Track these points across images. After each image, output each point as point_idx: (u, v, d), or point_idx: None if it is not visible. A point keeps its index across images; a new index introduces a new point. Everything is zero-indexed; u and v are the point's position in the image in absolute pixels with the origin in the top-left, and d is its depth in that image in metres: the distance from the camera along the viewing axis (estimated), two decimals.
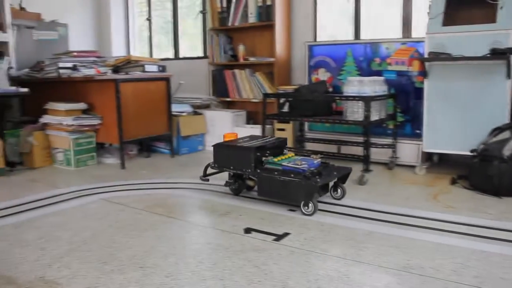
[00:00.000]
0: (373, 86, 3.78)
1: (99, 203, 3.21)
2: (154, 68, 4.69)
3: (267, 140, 3.38)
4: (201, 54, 6.20)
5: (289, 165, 3.00)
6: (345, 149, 4.32)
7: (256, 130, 4.77)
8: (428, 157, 4.14)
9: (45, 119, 4.47)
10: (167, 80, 4.79)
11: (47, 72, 4.64)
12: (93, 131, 4.44)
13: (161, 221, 2.81)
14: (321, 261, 2.19)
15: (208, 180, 3.39)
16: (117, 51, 6.88)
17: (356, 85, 3.76)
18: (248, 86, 5.19)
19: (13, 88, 4.23)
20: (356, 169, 3.92)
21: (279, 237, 2.50)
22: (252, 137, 3.50)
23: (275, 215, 2.89)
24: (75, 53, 4.62)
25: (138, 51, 7.08)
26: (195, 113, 5.14)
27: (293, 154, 3.35)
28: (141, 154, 4.93)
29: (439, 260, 2.17)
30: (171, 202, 3.21)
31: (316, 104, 4.04)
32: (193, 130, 5.02)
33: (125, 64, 4.64)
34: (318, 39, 5.01)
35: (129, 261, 2.22)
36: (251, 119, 5.27)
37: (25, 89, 4.24)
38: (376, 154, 4.17)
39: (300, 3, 5.02)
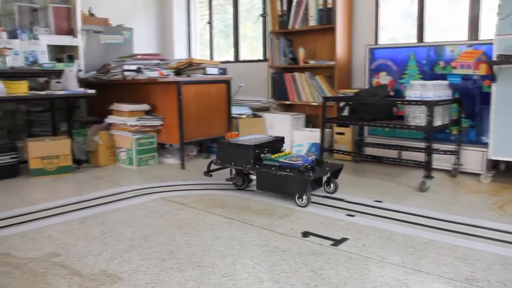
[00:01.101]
0: (437, 90, 3.66)
1: (159, 202, 3.30)
2: (215, 70, 4.76)
3: (266, 138, 3.64)
4: (261, 57, 6.23)
5: (285, 161, 3.27)
6: (406, 155, 4.21)
7: (315, 133, 4.74)
8: (494, 165, 3.96)
9: (110, 119, 4.64)
10: (227, 82, 4.85)
11: (112, 74, 4.83)
12: (155, 132, 4.56)
13: (220, 221, 2.85)
14: (380, 268, 2.14)
15: (211, 175, 3.73)
16: (179, 54, 7.04)
17: (419, 89, 3.66)
18: (307, 89, 5.17)
19: (82, 89, 4.42)
20: (417, 175, 3.83)
21: (336, 242, 2.47)
22: (254, 136, 3.77)
23: (332, 219, 2.86)
24: (139, 56, 4.76)
25: (199, 54, 7.21)
26: (254, 116, 5.17)
27: (290, 151, 3.64)
28: (201, 155, 5.02)
29: (507, 274, 2.07)
30: (230, 203, 3.24)
31: (377, 108, 3.97)
32: (252, 132, 5.04)
33: (187, 66, 4.74)
34: (379, 42, 4.91)
35: (187, 259, 2.27)
36: (310, 123, 5.24)
37: (92, 91, 4.42)
38: (439, 160, 4.04)
39: (362, 6, 4.94)
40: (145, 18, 6.85)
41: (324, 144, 4.23)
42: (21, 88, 4.07)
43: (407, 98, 3.73)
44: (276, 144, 3.61)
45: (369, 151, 4.50)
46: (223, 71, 4.87)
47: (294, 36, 5.46)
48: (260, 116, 5.17)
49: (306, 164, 3.18)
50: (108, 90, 4.91)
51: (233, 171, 3.66)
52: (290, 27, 5.26)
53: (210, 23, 6.94)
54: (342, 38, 4.88)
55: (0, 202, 3.38)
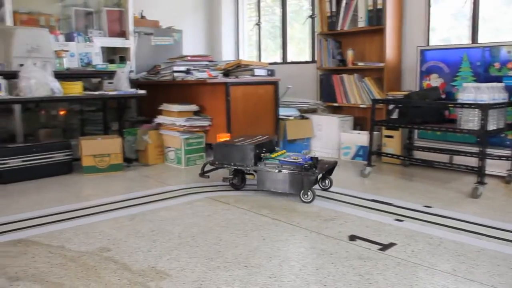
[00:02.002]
0: (492, 93, 3.53)
1: (206, 202, 3.34)
2: (263, 72, 4.78)
3: (261, 139, 3.69)
4: (308, 58, 6.21)
5: (286, 159, 3.41)
6: (458, 160, 4.09)
7: (363, 136, 4.68)
8: None
9: (159, 119, 4.73)
10: (275, 84, 4.86)
11: (162, 75, 4.93)
12: (203, 132, 4.62)
13: (266, 222, 2.85)
14: (429, 275, 2.09)
15: (208, 177, 3.77)
16: (227, 55, 7.11)
17: (473, 92, 3.55)
18: (356, 91, 5.11)
19: (133, 90, 4.53)
20: (469, 181, 3.71)
21: (384, 247, 2.43)
22: (246, 137, 3.83)
23: (380, 223, 2.81)
24: (188, 57, 4.84)
25: (247, 55, 7.26)
26: (302, 117, 5.15)
27: (284, 151, 3.72)
28: None
29: None
30: (276, 205, 3.25)
31: (428, 111, 3.88)
32: (300, 134, 5.04)
33: (235, 68, 4.78)
34: (430, 43, 4.79)
35: (234, 259, 2.29)
36: (358, 125, 5.18)
37: (143, 91, 4.53)
38: (492, 166, 3.90)
39: (412, 6, 4.84)
40: (194, 20, 6.96)
41: (372, 147, 4.17)
42: (76, 88, 4.22)
43: (459, 101, 3.62)
44: (271, 144, 3.76)
45: (418, 155, 4.40)
46: (271, 73, 4.89)
47: (342, 38, 5.41)
48: (307, 118, 5.15)
49: (310, 162, 3.33)
50: (158, 91, 5.02)
51: (230, 172, 3.70)
52: (338, 28, 5.21)
53: (258, 24, 6.98)
54: (391, 39, 4.80)
55: (55, 198, 3.52)
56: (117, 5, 5.63)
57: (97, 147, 4.27)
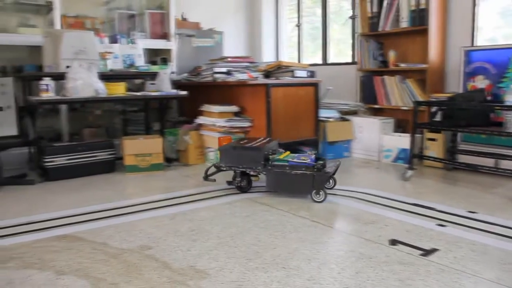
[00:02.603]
0: None
1: (245, 202, 3.35)
2: (303, 73, 4.76)
3: (264, 141, 3.75)
4: (349, 59, 6.15)
5: (295, 160, 3.45)
6: (504, 164, 3.96)
7: (404, 139, 4.59)
8: None
9: (200, 120, 4.78)
10: (315, 85, 4.84)
11: (203, 77, 4.98)
12: (243, 133, 4.64)
13: (305, 224, 2.84)
14: (473, 283, 2.03)
15: (215, 180, 3.75)
16: (267, 56, 7.12)
17: None
18: (397, 93, 5.02)
19: (174, 91, 4.60)
20: None
21: (426, 252, 2.37)
22: (249, 139, 3.88)
23: (422, 228, 2.75)
24: (229, 59, 4.87)
25: (287, 56, 7.25)
26: (342, 119, 5.11)
27: (288, 152, 3.72)
28: None
29: None
30: (315, 207, 3.23)
31: (473, 113, 3.77)
32: (340, 136, 5.00)
33: (276, 69, 4.78)
34: (476, 43, 4.66)
35: (272, 260, 2.29)
36: (399, 127, 5.08)
37: (184, 92, 4.58)
38: None
39: (457, 5, 4.71)
40: (235, 22, 7.00)
41: (414, 150, 4.09)
42: (119, 89, 4.32)
43: (507, 103, 3.51)
44: (275, 146, 3.82)
45: (462, 158, 4.28)
46: (312, 74, 4.86)
47: (384, 39, 5.33)
48: (348, 120, 5.10)
49: (321, 162, 3.41)
50: (199, 92, 5.07)
51: (236, 175, 3.65)
52: (380, 29, 5.14)
53: (298, 25, 6.96)
54: (435, 39, 4.69)
55: (98, 195, 3.61)
56: (159, 7, 5.73)
57: (139, 147, 4.35)
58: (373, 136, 4.89)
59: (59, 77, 4.09)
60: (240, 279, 2.09)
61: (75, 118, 5.16)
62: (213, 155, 4.65)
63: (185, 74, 5.46)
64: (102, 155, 4.42)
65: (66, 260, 2.33)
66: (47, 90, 3.92)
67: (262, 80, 4.57)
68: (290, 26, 7.20)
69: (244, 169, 3.57)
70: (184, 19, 6.06)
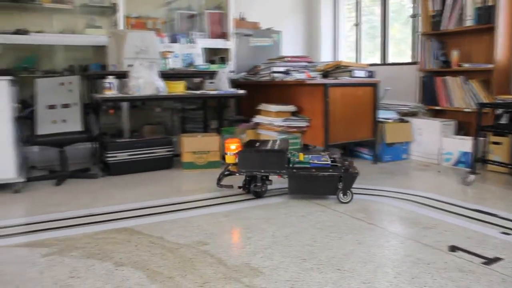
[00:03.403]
0: None
1: (301, 202, 3.34)
2: (362, 73, 4.69)
3: (277, 143, 3.65)
4: (408, 59, 5.99)
5: (316, 162, 3.41)
6: None
7: (466, 142, 4.43)
8: None
9: (257, 119, 4.81)
10: (374, 86, 4.75)
11: (261, 76, 5.00)
12: (300, 133, 4.63)
13: (361, 226, 2.80)
14: None
15: (232, 186, 3.60)
16: (325, 56, 7.06)
17: None
18: (460, 94, 4.85)
19: (232, 89, 4.65)
20: None
21: (489, 261, 2.28)
22: (259, 142, 3.78)
23: (484, 235, 2.64)
24: (288, 58, 4.87)
25: (345, 56, 7.16)
26: (401, 121, 4.99)
27: (303, 153, 3.62)
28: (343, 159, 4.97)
29: None
30: (372, 209, 3.17)
31: None
32: (398, 138, 4.88)
33: (334, 69, 4.74)
34: None
35: (327, 261, 2.27)
36: (461, 130, 4.91)
37: (242, 91, 4.62)
38: None
39: None
40: (293, 21, 6.99)
41: (477, 153, 3.93)
42: (179, 87, 4.41)
43: None
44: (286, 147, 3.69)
45: None
46: (371, 74, 4.78)
47: (447, 38, 5.15)
48: (407, 122, 4.98)
49: (347, 162, 3.42)
50: (256, 91, 5.10)
51: (249, 179, 3.54)
52: (443, 28, 4.98)
53: (357, 25, 6.86)
54: (503, 38, 4.48)
55: (156, 191, 3.71)
56: (218, 7, 5.81)
57: (196, 144, 4.44)
58: (433, 139, 4.74)
59: (122, 75, 4.23)
60: (294, 278, 2.08)
61: (136, 115, 5.32)
62: None
63: (243, 73, 5.50)
64: (161, 151, 4.53)
65: (125, 252, 2.41)
66: (111, 88, 4.07)
67: (320, 80, 4.54)
68: (348, 25, 7.10)
69: (267, 174, 3.45)
70: (242, 19, 6.11)
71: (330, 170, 3.33)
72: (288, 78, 4.65)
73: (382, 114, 4.91)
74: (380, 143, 4.83)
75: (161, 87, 4.17)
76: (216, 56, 5.67)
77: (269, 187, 3.59)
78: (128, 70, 4.17)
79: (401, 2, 6.21)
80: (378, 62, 6.44)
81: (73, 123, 4.30)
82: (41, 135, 4.16)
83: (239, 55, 5.75)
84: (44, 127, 4.22)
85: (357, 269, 2.18)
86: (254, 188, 3.48)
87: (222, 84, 4.61)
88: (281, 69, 4.74)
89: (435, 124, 4.77)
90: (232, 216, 3.03)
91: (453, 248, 2.44)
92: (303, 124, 4.58)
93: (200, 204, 3.32)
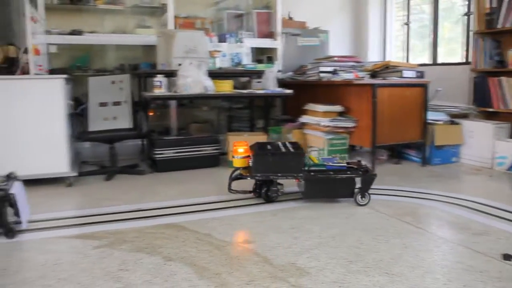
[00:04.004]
0: None
1: (347, 204, 3.30)
2: (411, 74, 4.59)
3: (291, 145, 3.49)
4: (460, 59, 5.82)
5: (331, 164, 3.37)
6: None
7: None
8: None
9: (304, 119, 4.79)
10: (424, 86, 4.64)
11: (308, 76, 4.98)
12: (347, 133, 4.58)
13: (409, 230, 2.74)
14: None
15: (251, 192, 3.42)
16: (373, 56, 6.96)
17: None
18: None
19: (279, 89, 4.64)
20: None
21: None
22: (269, 144, 3.58)
23: None
24: (335, 58, 4.83)
25: (393, 56, 7.03)
26: (452, 123, 4.85)
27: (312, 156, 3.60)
28: (391, 160, 4.89)
29: None
30: (421, 213, 3.10)
31: None
32: (448, 140, 4.75)
33: (383, 69, 4.66)
34: None
35: (375, 264, 2.23)
36: None
37: (290, 91, 4.61)
38: None
39: None
40: (341, 21, 6.92)
41: None
42: (227, 86, 4.44)
43: None
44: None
45: None
46: (420, 74, 4.67)
47: (502, 37, 4.96)
48: (458, 124, 4.84)
49: (363, 165, 3.38)
50: (303, 91, 5.08)
51: (260, 183, 3.38)
52: (499, 26, 4.80)
53: (407, 24, 6.72)
54: None
55: (203, 189, 3.76)
56: (266, 7, 5.82)
57: None
58: (485, 142, 4.59)
59: (170, 74, 4.30)
60: (341, 280, 2.06)
61: (183, 113, 5.41)
62: (315, 154, 4.64)
63: (290, 73, 5.50)
64: (207, 149, 4.59)
65: (173, 248, 2.45)
66: (160, 87, 4.15)
67: (368, 80, 4.48)
68: (397, 24, 6.97)
69: (283, 178, 3.29)
70: (290, 18, 6.10)
71: (348, 172, 3.29)
72: (336, 78, 4.61)
73: (431, 116, 4.79)
74: (429, 145, 4.72)
75: (209, 86, 4.21)
76: (263, 55, 5.68)
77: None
78: (177, 69, 4.24)
79: (452, 0, 6.04)
80: (428, 62, 6.29)
81: (123, 121, 4.42)
82: (93, 132, 4.30)
83: (286, 55, 5.74)
84: (96, 124, 4.36)
85: (405, 273, 2.14)
86: (270, 192, 3.32)
87: (269, 83, 4.62)
88: (329, 69, 4.71)
89: (487, 127, 4.61)
90: (279, 215, 3.04)
91: (508, 257, 2.35)
92: (350, 124, 4.53)
93: (247, 203, 3.34)
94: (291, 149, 3.40)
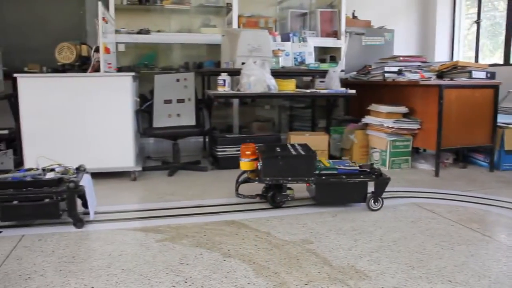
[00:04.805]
0: None
1: (411, 207, 3.22)
2: (481, 74, 4.40)
3: (296, 147, 3.34)
4: None
5: (342, 167, 3.23)
6: None
7: None
8: None
9: (367, 119, 4.71)
10: (495, 88, 4.43)
11: (372, 76, 4.89)
12: (411, 135, 4.46)
13: (475, 237, 2.63)
14: None
15: (256, 196, 3.27)
16: (440, 56, 6.73)
17: None
18: None
19: (343, 89, 4.59)
20: None
21: None
22: (278, 146, 3.42)
23: None
24: (401, 58, 4.72)
25: (461, 56, 6.77)
26: None
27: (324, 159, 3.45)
28: (456, 164, 4.71)
29: None
30: (488, 220, 2.98)
31: None
32: None
33: (451, 69, 4.50)
34: None
35: (437, 271, 2.16)
36: None
37: (353, 91, 4.54)
38: None
39: None
40: (407, 20, 6.74)
41: None
42: (290, 86, 4.44)
43: None
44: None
45: None
46: (491, 75, 4.47)
47: None
48: None
49: (376, 168, 3.22)
50: (366, 91, 5.00)
51: (268, 187, 3.21)
52: None
53: (478, 22, 6.44)
54: None
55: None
56: (330, 6, 5.76)
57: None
58: None
59: (234, 73, 4.35)
60: (402, 285, 2.01)
61: (245, 112, 5.46)
62: (377, 156, 4.56)
63: (353, 73, 5.42)
64: None
65: (233, 244, 2.48)
66: (224, 85, 4.21)
67: (435, 81, 4.34)
68: (467, 23, 6.70)
69: (294, 182, 3.13)
70: (354, 17, 6.02)
71: (362, 176, 3.16)
72: (401, 79, 4.50)
73: (502, 119, 4.57)
74: (498, 149, 4.51)
75: (272, 85, 4.23)
76: (326, 55, 5.64)
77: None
78: (240, 67, 4.29)
79: None
80: (500, 62, 6.00)
81: (187, 118, 4.52)
82: (157, 128, 4.42)
83: (350, 54, 5.67)
84: (160, 120, 4.48)
85: (470, 282, 2.05)
86: (280, 197, 3.17)
87: (332, 83, 4.58)
88: (394, 69, 4.60)
89: None
90: (339, 216, 3.00)
91: None
92: (414, 126, 4.41)
93: (307, 203, 3.32)
94: (302, 152, 3.23)
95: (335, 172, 3.21)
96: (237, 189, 3.31)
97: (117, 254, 2.36)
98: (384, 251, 2.40)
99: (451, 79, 4.39)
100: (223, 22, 5.57)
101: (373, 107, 4.67)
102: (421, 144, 4.51)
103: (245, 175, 3.30)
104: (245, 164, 3.25)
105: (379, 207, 3.15)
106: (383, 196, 3.18)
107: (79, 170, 3.00)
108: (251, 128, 5.31)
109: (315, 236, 2.62)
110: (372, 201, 3.15)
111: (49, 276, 2.11)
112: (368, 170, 3.24)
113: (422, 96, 4.40)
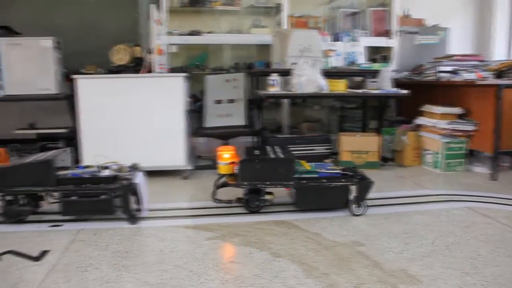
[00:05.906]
0: None
1: (465, 211, 3.12)
2: None
3: (275, 150, 3.27)
4: None
5: (323, 171, 3.11)
6: None
7: None
8: None
9: (420, 120, 4.61)
10: None
11: (426, 75, 4.78)
12: (466, 137, 4.33)
13: None
14: None
15: (232, 201, 3.14)
16: (498, 54, 6.49)
17: None
18: None
19: (395, 89, 4.50)
20: None
21: None
22: (253, 148, 3.37)
23: None
24: (456, 57, 4.58)
25: None
26: None
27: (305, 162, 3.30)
28: None
29: None
30: None
31: None
32: None
33: (510, 68, 4.33)
34: None
35: (493, 279, 2.09)
36: None
37: (405, 91, 4.45)
38: None
39: None
40: (462, 17, 6.52)
41: None
42: (341, 86, 4.40)
43: None
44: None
45: None
46: None
47: None
48: None
49: (359, 171, 3.15)
50: (419, 91, 4.87)
51: (248, 192, 3.06)
52: None
53: None
54: None
55: None
56: (382, 5, 5.67)
57: (355, 144, 4.40)
58: None
59: (285, 73, 4.36)
60: None
61: (295, 112, 5.46)
62: (430, 158, 4.44)
63: (406, 73, 5.31)
64: (319, 149, 4.58)
65: (282, 244, 2.49)
66: (274, 85, 4.22)
67: (492, 81, 4.18)
68: None
69: (273, 186, 3.01)
70: (407, 16, 5.89)
71: (343, 180, 3.03)
72: (456, 78, 4.37)
73: None
74: None
75: (323, 85, 4.20)
76: (377, 54, 5.55)
77: (429, 191, 3.41)
78: (291, 68, 4.29)
79: None
80: None
81: (237, 118, 4.56)
82: (208, 128, 4.50)
83: (402, 54, 5.56)
84: (211, 120, 4.55)
85: None
86: (258, 202, 3.07)
87: (384, 83, 4.50)
88: (448, 68, 4.48)
89: None
90: (391, 219, 2.95)
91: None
92: (470, 127, 4.27)
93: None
94: (281, 155, 3.14)
95: (316, 175, 3.09)
96: (214, 194, 3.19)
97: (168, 251, 2.42)
98: (436, 256, 2.35)
99: (511, 79, 4.22)
100: (273, 22, 5.59)
101: (427, 108, 4.56)
102: (477, 146, 4.36)
103: (223, 179, 3.15)
104: (223, 167, 3.12)
105: (362, 211, 3.01)
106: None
107: (133, 168, 3.09)
108: (301, 128, 5.30)
109: (365, 238, 2.59)
110: (355, 206, 3.02)
111: (104, 269, 2.19)
112: (351, 173, 3.13)
113: (479, 97, 4.25)
